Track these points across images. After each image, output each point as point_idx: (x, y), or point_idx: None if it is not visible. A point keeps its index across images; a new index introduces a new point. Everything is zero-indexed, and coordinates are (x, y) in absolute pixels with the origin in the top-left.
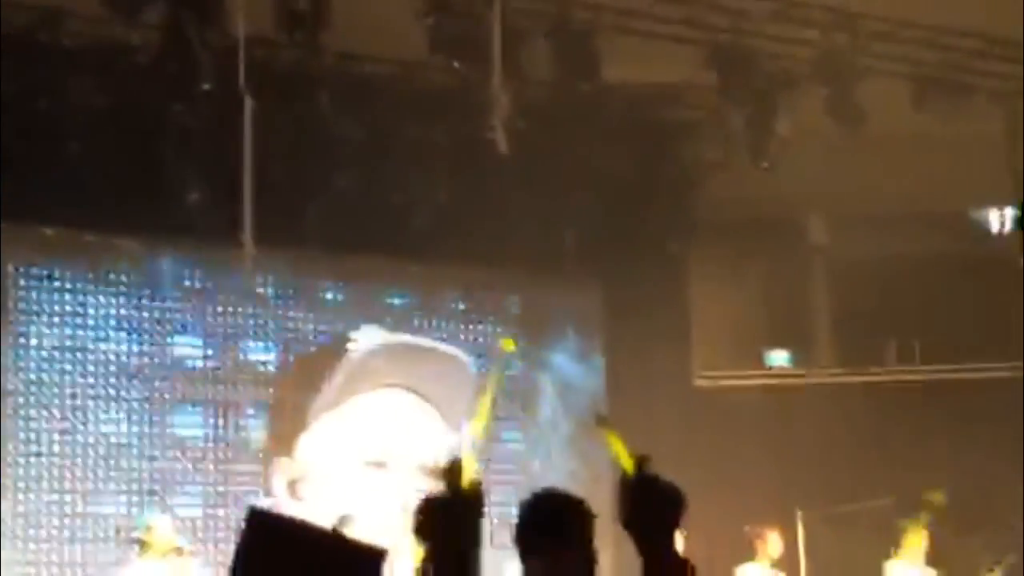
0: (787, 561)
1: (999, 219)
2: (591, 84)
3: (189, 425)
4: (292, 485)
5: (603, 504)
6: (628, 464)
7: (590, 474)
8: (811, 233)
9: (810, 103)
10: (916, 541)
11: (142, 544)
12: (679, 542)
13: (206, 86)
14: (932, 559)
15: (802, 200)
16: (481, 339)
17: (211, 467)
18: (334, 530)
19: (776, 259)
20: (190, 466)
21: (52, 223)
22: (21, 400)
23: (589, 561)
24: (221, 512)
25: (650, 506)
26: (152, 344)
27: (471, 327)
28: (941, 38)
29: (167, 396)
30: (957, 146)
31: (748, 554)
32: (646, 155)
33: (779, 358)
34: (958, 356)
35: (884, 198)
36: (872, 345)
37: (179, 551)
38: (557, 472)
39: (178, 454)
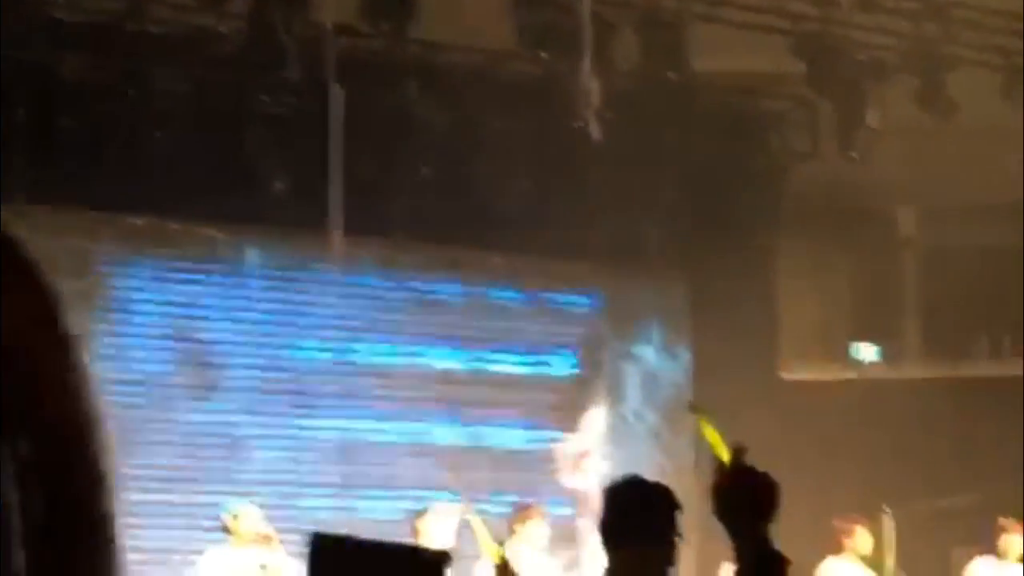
0: (873, 556)
1: None
2: (679, 74)
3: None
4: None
5: (688, 496)
6: (723, 453)
7: (674, 466)
8: (900, 225)
9: (900, 93)
10: (1015, 541)
11: (227, 531)
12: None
13: (291, 75)
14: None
15: (891, 191)
16: (568, 330)
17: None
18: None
19: (865, 251)
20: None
21: (139, 212)
22: (111, 388)
23: (673, 552)
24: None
25: (744, 497)
26: (239, 333)
27: (556, 319)
28: None
29: (261, 386)
30: None
31: (834, 548)
32: (734, 146)
33: (867, 352)
34: None
35: (974, 189)
36: (962, 339)
37: (266, 539)
38: (641, 464)
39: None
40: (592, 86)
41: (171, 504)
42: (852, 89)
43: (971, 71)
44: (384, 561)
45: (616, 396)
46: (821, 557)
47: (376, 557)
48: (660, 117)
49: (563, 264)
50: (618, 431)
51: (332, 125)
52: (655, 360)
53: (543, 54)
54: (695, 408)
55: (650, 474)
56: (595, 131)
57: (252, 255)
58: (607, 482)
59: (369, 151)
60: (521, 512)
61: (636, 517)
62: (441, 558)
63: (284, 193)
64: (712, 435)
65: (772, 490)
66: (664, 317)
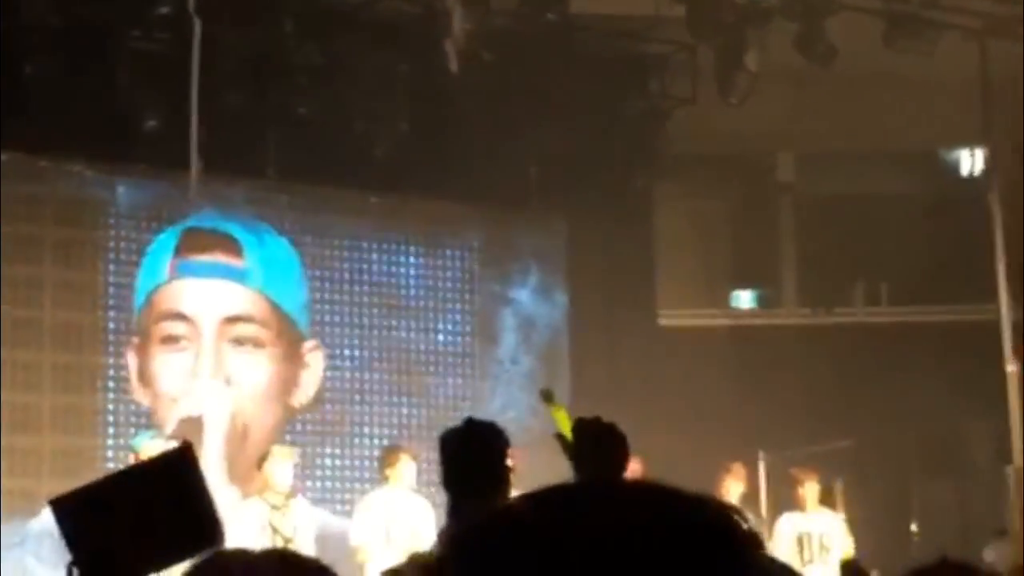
0: (749, 500)
1: (969, 159)
2: (559, 16)
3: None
4: None
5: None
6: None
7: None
8: (779, 171)
9: (780, 39)
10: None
11: None
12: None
13: (163, 11)
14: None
15: (770, 137)
16: (444, 273)
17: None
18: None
19: (743, 197)
20: None
21: (3, 147)
22: None
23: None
24: None
25: (596, 447)
26: (116, 274)
27: (433, 261)
28: None
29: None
30: (928, 85)
31: (709, 492)
32: (613, 88)
33: (745, 297)
34: (925, 298)
35: (853, 136)
36: (839, 286)
37: None
38: (517, 408)
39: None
40: (470, 26)
41: None
42: (732, 33)
43: (852, 17)
44: (127, 487)
45: (492, 340)
46: None
47: (117, 489)
48: (539, 59)
49: (439, 205)
50: (493, 375)
51: (194, 60)
52: (532, 303)
53: None
54: (545, 395)
55: (526, 418)
56: (453, 62)
57: (121, 193)
58: (445, 430)
59: (242, 90)
60: (390, 454)
61: (472, 463)
62: (182, 450)
63: (153, 130)
64: (563, 421)
65: (619, 439)
66: (541, 260)
